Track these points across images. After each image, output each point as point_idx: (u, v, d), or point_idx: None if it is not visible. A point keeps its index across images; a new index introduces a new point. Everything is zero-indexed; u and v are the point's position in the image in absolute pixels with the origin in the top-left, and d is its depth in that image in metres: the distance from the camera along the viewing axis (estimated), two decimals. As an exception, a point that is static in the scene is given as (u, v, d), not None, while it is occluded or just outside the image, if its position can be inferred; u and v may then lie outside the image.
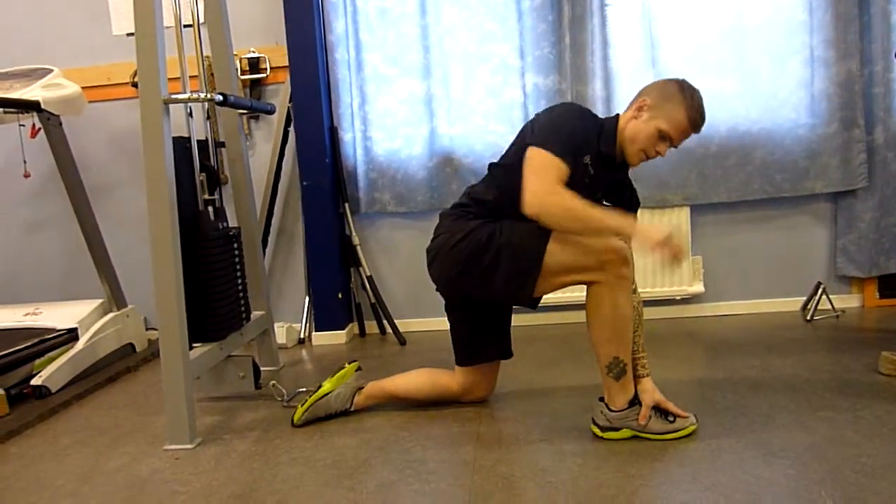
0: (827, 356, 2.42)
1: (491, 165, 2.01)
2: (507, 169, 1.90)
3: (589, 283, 1.81)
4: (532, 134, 1.85)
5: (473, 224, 1.90)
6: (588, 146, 1.86)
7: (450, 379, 2.17)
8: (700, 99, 1.86)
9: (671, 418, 1.83)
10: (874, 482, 1.51)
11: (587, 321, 1.84)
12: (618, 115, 1.94)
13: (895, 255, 2.99)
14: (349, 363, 2.20)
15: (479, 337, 2.09)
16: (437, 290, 2.06)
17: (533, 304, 1.91)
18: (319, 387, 2.15)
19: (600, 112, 2.99)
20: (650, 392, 1.86)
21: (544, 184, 1.74)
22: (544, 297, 1.93)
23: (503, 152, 1.99)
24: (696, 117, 1.85)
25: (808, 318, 2.95)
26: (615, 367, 1.81)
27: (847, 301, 3.10)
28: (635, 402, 1.84)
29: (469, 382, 2.14)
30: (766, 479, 1.56)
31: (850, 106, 2.90)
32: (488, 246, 1.84)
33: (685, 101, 1.83)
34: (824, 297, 2.99)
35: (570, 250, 1.78)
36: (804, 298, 3.09)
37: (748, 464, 1.64)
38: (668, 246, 1.64)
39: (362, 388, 2.18)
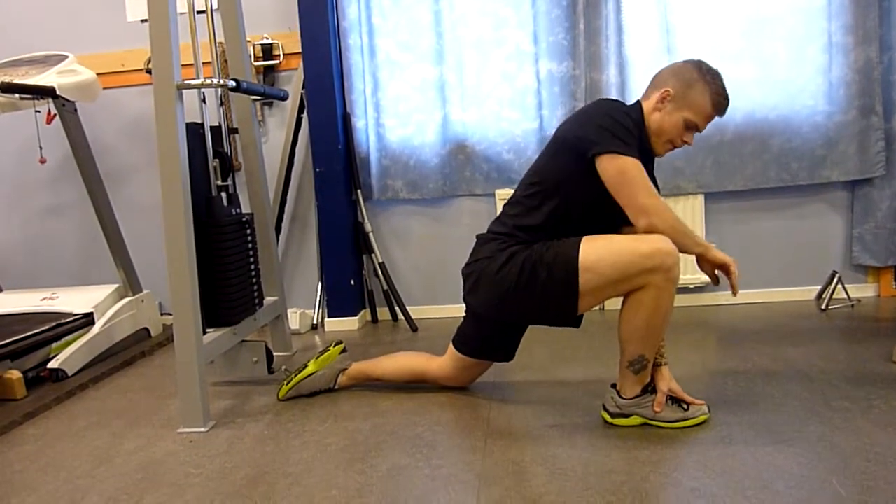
0: (841, 346, 2.40)
1: (528, 182, 1.88)
2: (552, 188, 1.82)
3: (635, 290, 1.73)
4: (589, 139, 1.74)
5: (513, 249, 1.82)
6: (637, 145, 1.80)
7: (431, 365, 2.17)
8: (721, 80, 1.81)
9: (685, 406, 1.83)
10: (886, 471, 1.50)
11: (620, 317, 1.79)
12: (639, 102, 1.88)
13: (912, 245, 2.97)
14: (334, 345, 2.28)
15: (490, 339, 2.06)
16: (467, 308, 2.02)
17: (577, 324, 1.85)
18: (304, 366, 2.23)
19: (614, 99, 2.97)
20: (666, 380, 1.86)
21: (654, 199, 1.70)
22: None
23: (534, 164, 1.90)
24: (721, 101, 1.81)
25: (823, 307, 2.93)
26: (638, 363, 1.79)
27: (862, 290, 3.07)
28: (649, 389, 1.84)
29: (457, 370, 2.13)
30: (777, 466, 1.56)
31: (868, 93, 2.86)
32: (528, 272, 1.78)
33: (708, 86, 1.79)
34: (839, 286, 2.96)
35: (611, 263, 1.70)
36: (819, 287, 3.06)
37: (759, 452, 1.63)
38: (734, 269, 1.76)
39: (346, 369, 2.26)
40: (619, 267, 1.70)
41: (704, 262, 1.81)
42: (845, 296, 2.97)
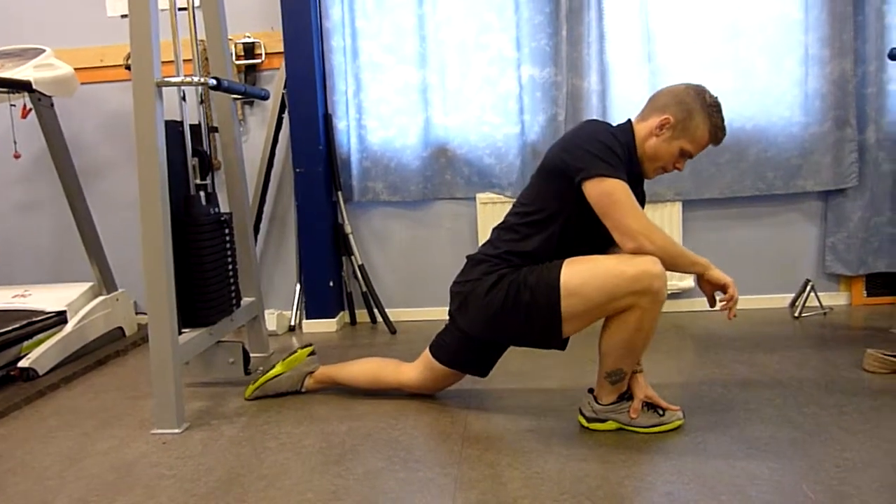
0: (813, 353, 2.44)
1: (523, 211, 1.86)
2: (551, 215, 1.80)
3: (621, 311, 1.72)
4: (575, 165, 1.72)
5: (502, 272, 1.81)
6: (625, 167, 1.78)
7: (400, 370, 2.14)
8: (721, 112, 1.79)
9: (660, 412, 1.84)
10: (856, 477, 1.52)
11: (603, 331, 1.78)
12: (629, 122, 1.86)
13: (883, 254, 3.02)
14: (302, 348, 2.28)
15: (471, 353, 2.03)
16: (452, 324, 2.01)
17: (562, 347, 1.84)
18: (272, 367, 2.24)
19: (595, 107, 2.99)
20: (642, 387, 1.87)
21: (641, 221, 1.69)
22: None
23: (526, 191, 1.88)
24: (719, 134, 1.81)
25: (796, 314, 2.97)
26: (615, 375, 1.80)
27: (835, 299, 3.13)
28: (625, 396, 1.85)
29: (429, 379, 2.10)
30: (749, 471, 1.57)
31: (843, 105, 2.91)
32: (513, 295, 1.77)
33: (709, 118, 1.78)
34: (812, 294, 3.01)
35: (596, 286, 1.69)
36: (793, 295, 3.11)
37: (733, 457, 1.65)
38: (733, 291, 1.75)
39: (312, 372, 2.25)
40: (606, 290, 1.69)
41: (704, 283, 1.79)
42: (818, 304, 3.01)
